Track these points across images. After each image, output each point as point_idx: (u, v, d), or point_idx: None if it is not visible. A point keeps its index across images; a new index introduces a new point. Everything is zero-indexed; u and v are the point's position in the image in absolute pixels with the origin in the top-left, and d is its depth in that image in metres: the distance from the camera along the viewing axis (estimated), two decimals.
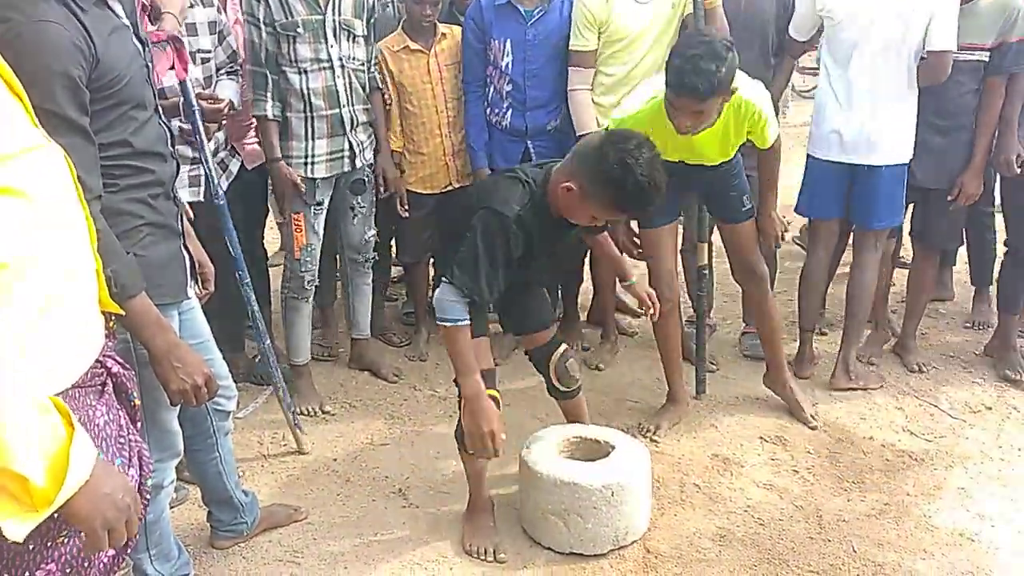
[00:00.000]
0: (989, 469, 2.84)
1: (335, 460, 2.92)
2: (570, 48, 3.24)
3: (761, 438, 3.04)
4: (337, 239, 3.38)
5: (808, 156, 3.30)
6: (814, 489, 2.74)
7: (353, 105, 3.07)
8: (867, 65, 3.06)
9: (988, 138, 3.25)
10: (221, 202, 2.59)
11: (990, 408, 3.24)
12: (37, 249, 1.15)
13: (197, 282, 2.08)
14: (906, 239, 4.03)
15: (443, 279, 2.20)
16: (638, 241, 3.00)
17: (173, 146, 1.87)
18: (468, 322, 2.18)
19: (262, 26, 2.90)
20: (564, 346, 2.63)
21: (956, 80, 3.13)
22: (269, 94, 2.94)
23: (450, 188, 3.50)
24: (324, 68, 2.97)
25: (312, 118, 3.00)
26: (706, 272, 3.27)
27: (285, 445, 3.01)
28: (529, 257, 2.26)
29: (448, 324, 2.19)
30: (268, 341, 2.82)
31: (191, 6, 2.74)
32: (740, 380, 3.48)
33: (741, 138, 2.76)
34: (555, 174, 2.23)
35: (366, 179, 3.20)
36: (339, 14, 2.97)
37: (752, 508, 2.64)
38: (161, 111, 1.82)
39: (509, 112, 3.35)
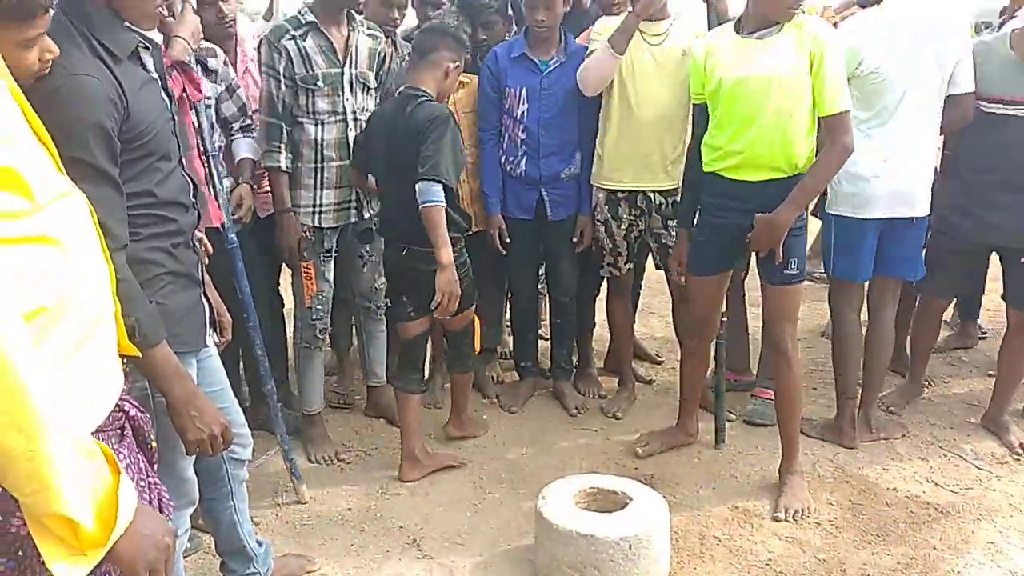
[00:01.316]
0: (1019, 523, 2.78)
1: (349, 510, 2.91)
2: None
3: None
4: (348, 288, 3.40)
5: (844, 218, 3.10)
6: (837, 542, 2.70)
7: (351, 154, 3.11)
8: (911, 116, 2.98)
9: None
10: (232, 246, 2.63)
11: (1018, 459, 3.19)
12: (70, 293, 1.18)
13: (216, 330, 2.11)
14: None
15: (424, 179, 2.69)
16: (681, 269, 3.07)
17: (195, 196, 1.91)
18: (444, 202, 2.71)
19: (282, 79, 2.93)
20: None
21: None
22: (283, 145, 2.97)
23: (469, 233, 3.50)
24: (339, 120, 3.03)
25: (323, 168, 3.04)
26: (724, 320, 3.21)
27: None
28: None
29: (432, 204, 2.69)
30: (271, 385, 2.84)
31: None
32: (760, 429, 3.44)
33: (806, 87, 2.63)
34: (430, 68, 2.88)
35: (373, 228, 3.23)
36: (356, 67, 3.04)
37: (774, 561, 2.60)
38: (184, 162, 1.87)
39: (524, 160, 3.39)
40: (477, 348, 3.19)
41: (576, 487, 2.60)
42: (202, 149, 2.54)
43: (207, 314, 1.97)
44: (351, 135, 3.05)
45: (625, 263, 3.47)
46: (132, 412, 1.40)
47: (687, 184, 3.02)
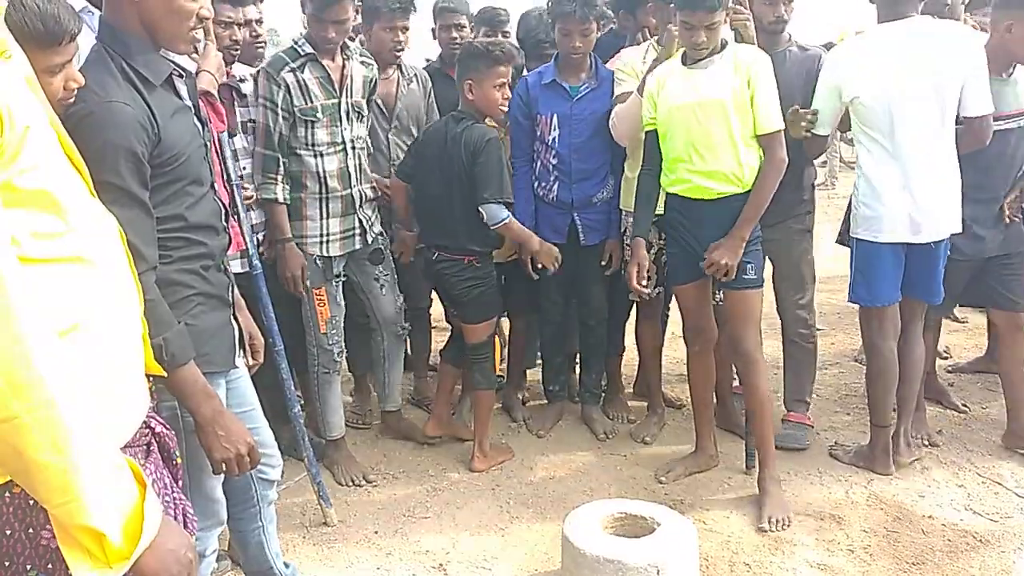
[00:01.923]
0: None
1: (376, 532, 2.91)
2: (613, 96, 3.34)
3: (814, 515, 2.95)
4: (370, 315, 3.36)
5: (862, 241, 3.09)
6: (871, 570, 2.63)
7: (361, 183, 3.15)
8: (917, 141, 2.96)
9: None
10: (257, 272, 2.67)
11: None
12: (100, 313, 1.21)
13: (246, 352, 2.14)
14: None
15: (485, 200, 3.07)
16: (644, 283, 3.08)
17: (226, 221, 1.95)
18: (511, 216, 3.11)
19: (279, 111, 2.93)
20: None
21: (999, 150, 3.13)
22: (279, 177, 2.96)
23: (514, 257, 3.55)
24: (339, 150, 3.05)
25: (327, 199, 3.05)
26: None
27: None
28: None
29: (502, 222, 3.10)
30: (297, 409, 2.87)
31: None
32: (792, 454, 3.39)
33: (746, 108, 2.84)
34: (462, 95, 3.16)
35: (383, 247, 3.26)
36: (351, 97, 3.07)
37: None
38: (216, 188, 1.91)
39: (556, 185, 3.42)
40: (497, 367, 3.19)
41: (604, 512, 2.57)
42: (225, 177, 2.58)
43: (237, 335, 2.00)
44: (351, 164, 3.08)
45: (654, 287, 3.45)
46: (158, 429, 1.42)
47: (639, 202, 3.11)
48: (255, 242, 2.73)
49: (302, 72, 2.95)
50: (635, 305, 3.69)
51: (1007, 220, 3.28)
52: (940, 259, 3.11)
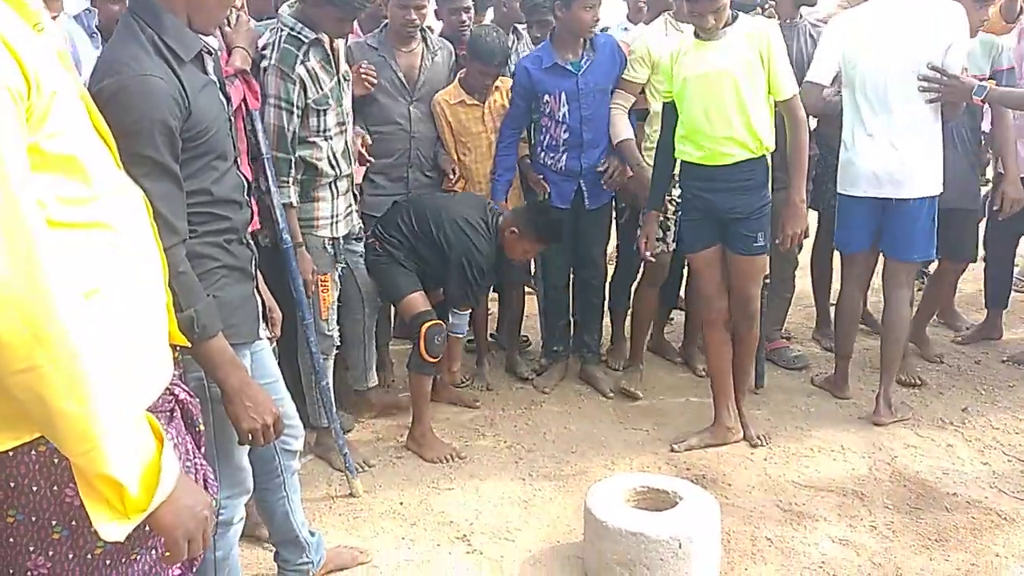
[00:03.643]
0: None
1: (401, 503, 2.93)
2: (621, 76, 3.52)
3: (837, 491, 2.93)
4: (353, 291, 3.27)
5: (839, 194, 3.40)
6: (893, 547, 2.61)
7: (353, 162, 3.10)
8: (898, 103, 3.19)
9: (1013, 149, 3.69)
10: (287, 246, 2.66)
11: None
12: (123, 279, 1.22)
13: (267, 325, 2.15)
14: None
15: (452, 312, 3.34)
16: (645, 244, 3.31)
17: (249, 195, 1.95)
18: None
19: (295, 110, 2.78)
20: (436, 320, 3.17)
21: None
22: (291, 179, 2.81)
23: None
24: (343, 130, 2.99)
25: (337, 179, 2.99)
26: (766, 280, 3.37)
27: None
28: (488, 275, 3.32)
29: (459, 336, 3.48)
30: (326, 382, 2.88)
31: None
32: (815, 429, 3.38)
33: (760, 78, 2.97)
34: (503, 222, 3.30)
35: (359, 226, 3.24)
36: (341, 68, 2.99)
37: (827, 564, 2.53)
38: (239, 162, 1.91)
39: (565, 155, 3.58)
40: (422, 353, 3.14)
41: (626, 485, 2.57)
42: (253, 154, 2.56)
43: (260, 308, 2.00)
44: (348, 140, 3.03)
45: (667, 246, 3.56)
46: (182, 396, 1.43)
47: (655, 175, 3.29)
48: (284, 218, 2.71)
49: (309, 60, 2.80)
50: (642, 267, 3.81)
51: None
52: (914, 219, 3.25)
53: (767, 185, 3.11)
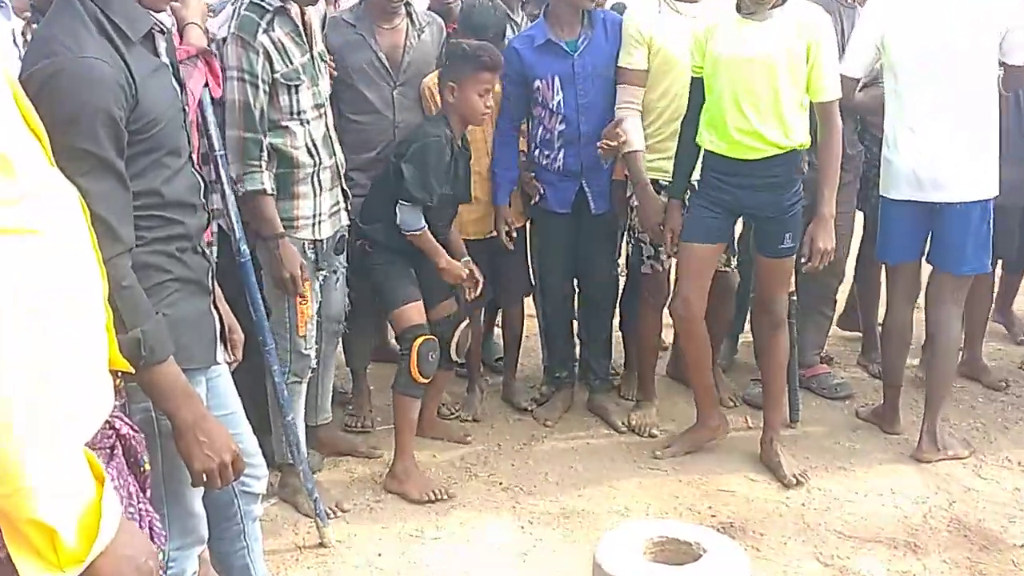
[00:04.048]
0: None
1: (379, 555, 2.93)
2: (618, 64, 3.51)
3: (886, 542, 2.93)
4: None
5: (881, 198, 3.45)
6: None
7: (336, 148, 3.12)
8: (940, 93, 3.22)
9: None
10: (244, 260, 2.66)
11: None
12: (53, 295, 1.21)
13: (226, 347, 2.14)
14: None
15: (399, 203, 3.14)
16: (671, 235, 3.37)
17: (205, 196, 1.95)
18: (426, 226, 3.19)
19: (260, 83, 2.80)
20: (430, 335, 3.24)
21: None
22: (263, 163, 2.82)
23: (491, 235, 3.71)
24: (322, 113, 3.00)
25: (319, 171, 2.99)
26: (794, 298, 3.52)
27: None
28: (451, 173, 3.25)
29: (417, 232, 3.17)
30: (291, 417, 2.88)
31: (212, 13, 2.83)
32: (860, 469, 3.39)
33: (802, 71, 3.03)
34: (440, 92, 3.26)
35: (347, 234, 3.23)
36: (316, 45, 3.01)
37: None
38: (193, 160, 1.92)
39: (561, 152, 3.58)
40: (413, 371, 3.18)
41: (641, 535, 2.56)
42: (207, 149, 2.56)
43: (217, 327, 2.01)
44: (330, 126, 3.06)
45: (668, 257, 3.59)
46: (124, 431, 1.43)
47: (679, 155, 3.34)
48: (241, 224, 2.71)
49: (273, 30, 2.82)
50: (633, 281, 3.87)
51: None
52: (964, 226, 3.27)
53: (797, 183, 3.16)
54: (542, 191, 3.63)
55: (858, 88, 3.48)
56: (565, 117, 3.52)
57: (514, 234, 3.67)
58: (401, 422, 3.28)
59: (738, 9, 3.06)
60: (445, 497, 3.21)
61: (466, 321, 3.42)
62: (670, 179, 3.43)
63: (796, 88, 3.05)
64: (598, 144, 3.46)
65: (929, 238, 3.38)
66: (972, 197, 3.25)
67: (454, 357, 3.39)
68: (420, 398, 3.33)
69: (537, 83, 3.52)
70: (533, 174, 3.65)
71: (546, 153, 3.61)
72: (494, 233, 3.71)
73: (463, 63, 3.18)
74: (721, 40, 3.07)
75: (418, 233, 3.20)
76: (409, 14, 3.51)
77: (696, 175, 3.37)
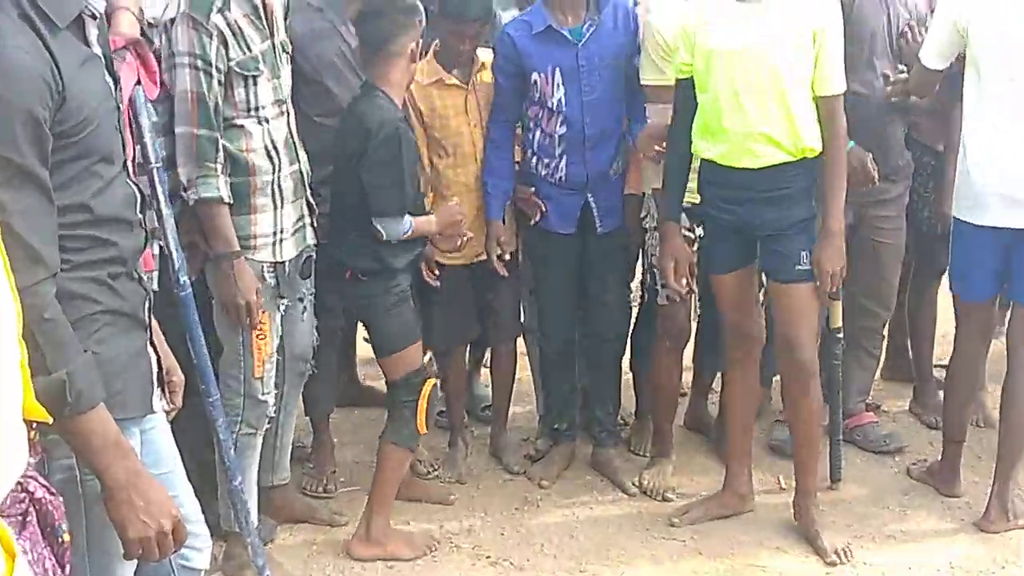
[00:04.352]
0: None
1: None
2: (642, 84, 3.52)
3: None
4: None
5: (955, 220, 3.39)
6: None
7: (300, 152, 3.11)
8: None
9: None
10: (184, 292, 2.64)
11: None
12: None
13: (163, 392, 2.13)
14: None
15: (374, 219, 3.09)
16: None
17: (143, 211, 1.94)
18: (412, 226, 3.15)
19: (214, 71, 2.81)
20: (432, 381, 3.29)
21: None
22: (220, 167, 2.85)
23: (481, 257, 3.68)
24: (283, 111, 3.01)
25: (279, 179, 2.99)
26: (840, 336, 3.56)
27: None
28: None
29: (406, 233, 3.14)
30: (238, 481, 2.87)
31: None
32: (913, 540, 3.41)
33: (808, 61, 3.04)
34: (381, 69, 3.14)
35: (313, 255, 3.21)
36: (279, 33, 3.02)
37: None
38: (130, 168, 1.91)
39: (563, 159, 3.57)
40: (421, 424, 3.21)
41: None
42: (142, 159, 2.55)
43: (154, 368, 1.99)
44: (292, 127, 3.06)
45: (687, 291, 3.57)
46: (39, 494, 1.41)
47: (669, 171, 3.34)
48: (181, 252, 2.70)
49: (229, 11, 2.85)
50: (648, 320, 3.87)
51: None
52: None
53: (811, 195, 3.17)
54: (544, 208, 3.63)
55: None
56: (567, 117, 3.51)
57: (507, 257, 3.66)
58: (390, 475, 3.29)
59: None
60: (437, 547, 3.32)
61: (434, 381, 3.35)
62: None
63: (804, 81, 3.06)
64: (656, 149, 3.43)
65: (1010, 271, 3.31)
66: None
67: (423, 426, 3.28)
68: (415, 451, 3.37)
69: (535, 77, 3.51)
70: (533, 188, 3.63)
71: (545, 161, 3.60)
72: (482, 257, 3.67)
73: (417, 17, 3.14)
74: (715, 32, 3.08)
75: (410, 233, 3.16)
76: None
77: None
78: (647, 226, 3.64)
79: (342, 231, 3.22)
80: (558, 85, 3.50)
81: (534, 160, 3.64)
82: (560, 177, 3.59)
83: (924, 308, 4.24)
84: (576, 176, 3.58)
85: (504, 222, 3.65)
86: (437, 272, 3.60)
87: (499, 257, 3.64)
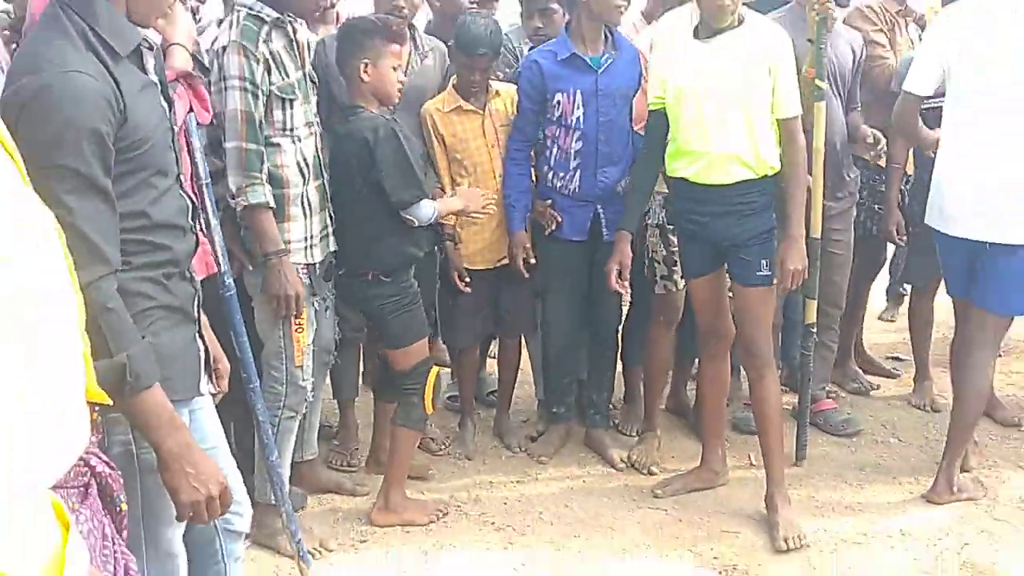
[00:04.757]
0: None
1: None
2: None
3: None
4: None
5: (930, 227, 3.40)
6: None
7: (323, 169, 3.13)
8: (997, 122, 3.12)
9: None
10: (230, 293, 2.64)
11: None
12: (23, 322, 1.19)
13: (211, 378, 2.13)
14: None
15: (406, 204, 3.07)
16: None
17: (194, 219, 1.95)
18: (436, 206, 3.17)
19: (260, 94, 2.86)
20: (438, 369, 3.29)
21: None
22: (264, 176, 2.88)
23: (505, 261, 3.71)
24: (312, 132, 3.04)
25: (307, 192, 3.02)
26: (813, 331, 3.57)
27: None
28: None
29: (434, 216, 3.16)
30: (275, 457, 2.87)
31: (200, 32, 2.86)
32: (868, 511, 3.39)
33: (767, 89, 3.07)
34: (350, 88, 3.14)
35: (334, 260, 3.21)
36: (307, 65, 3.06)
37: None
38: (182, 181, 1.92)
39: (577, 173, 3.59)
40: (428, 406, 3.23)
41: None
42: (193, 175, 2.55)
43: (202, 357, 2.00)
44: (318, 146, 3.08)
45: (681, 277, 3.60)
46: (100, 468, 1.41)
47: (633, 189, 3.42)
48: (227, 257, 2.70)
49: (271, 42, 2.90)
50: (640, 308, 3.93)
51: None
52: (1012, 265, 3.15)
53: (771, 209, 3.20)
54: (560, 220, 3.61)
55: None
56: (584, 134, 3.53)
57: (532, 262, 3.64)
58: (401, 455, 3.29)
59: (695, 35, 3.12)
60: (447, 512, 3.32)
61: (438, 369, 3.36)
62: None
63: (764, 107, 3.10)
64: None
65: (976, 273, 3.28)
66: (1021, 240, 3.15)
67: (430, 407, 3.29)
68: (424, 431, 3.37)
69: (558, 97, 3.52)
70: (549, 201, 3.62)
71: (560, 175, 3.61)
72: (503, 262, 3.69)
73: (372, 37, 3.07)
74: (681, 68, 3.13)
75: (437, 215, 3.18)
76: (412, 37, 3.55)
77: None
78: (649, 223, 3.67)
79: (356, 242, 3.15)
80: (578, 105, 3.52)
81: (550, 175, 3.64)
82: (573, 189, 3.60)
83: (859, 300, 4.38)
84: (588, 188, 3.58)
85: (526, 230, 3.65)
86: (467, 279, 3.64)
87: (525, 262, 3.64)
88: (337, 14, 4.06)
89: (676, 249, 3.57)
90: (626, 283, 3.48)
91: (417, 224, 3.12)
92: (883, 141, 3.78)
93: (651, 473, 3.69)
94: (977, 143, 3.18)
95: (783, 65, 3.09)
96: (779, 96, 3.10)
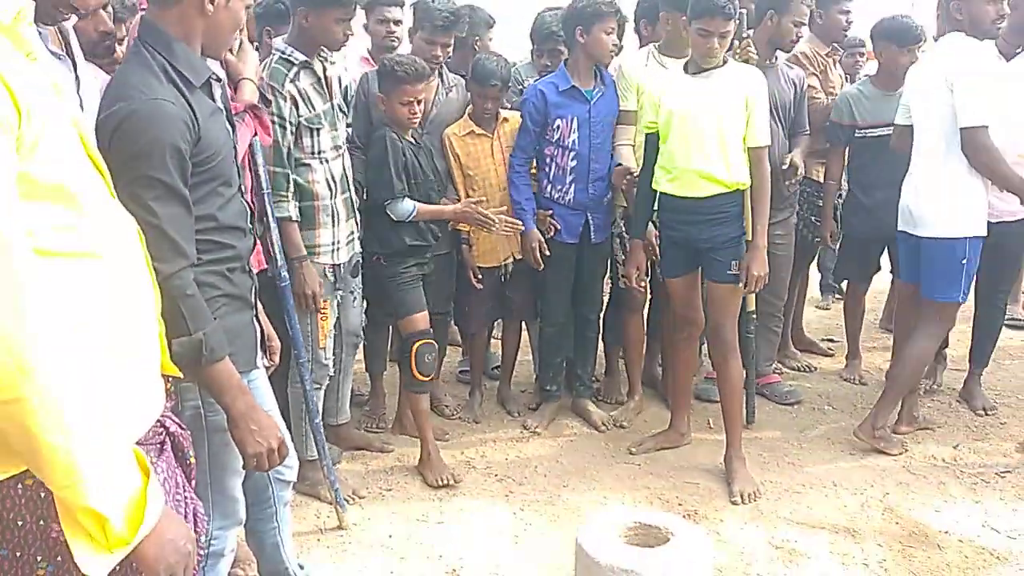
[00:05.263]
0: None
1: (390, 536, 2.96)
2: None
3: (829, 528, 2.98)
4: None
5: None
6: None
7: (350, 184, 3.19)
8: (922, 145, 3.43)
9: None
10: (285, 283, 2.70)
11: None
12: (112, 310, 1.25)
13: (265, 354, 2.19)
14: None
15: (385, 201, 3.21)
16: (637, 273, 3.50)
17: (252, 222, 2.00)
18: (415, 205, 3.23)
19: (288, 125, 2.89)
20: (429, 339, 3.29)
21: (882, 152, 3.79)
22: (290, 195, 2.91)
23: (509, 260, 3.80)
24: (340, 154, 3.09)
25: (335, 204, 3.06)
26: (754, 316, 3.62)
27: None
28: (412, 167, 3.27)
29: (412, 214, 3.23)
30: (319, 420, 2.93)
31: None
32: (807, 465, 3.44)
33: (741, 120, 3.15)
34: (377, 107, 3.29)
35: (360, 260, 3.28)
36: (335, 98, 3.11)
37: None
38: (243, 190, 1.97)
39: (572, 187, 3.64)
40: (414, 373, 3.26)
41: (618, 521, 2.59)
42: (256, 188, 2.61)
43: (258, 336, 2.05)
44: (346, 165, 3.14)
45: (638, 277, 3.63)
46: (173, 429, 1.46)
47: (639, 203, 3.45)
48: (284, 254, 2.75)
49: (299, 81, 2.94)
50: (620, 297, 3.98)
51: None
52: (931, 257, 3.38)
53: (740, 219, 3.24)
54: (558, 226, 3.65)
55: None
56: (578, 154, 3.59)
57: (547, 253, 3.64)
58: (416, 415, 3.40)
59: (685, 70, 3.21)
60: (452, 483, 3.28)
61: (421, 341, 3.30)
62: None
63: (737, 135, 3.17)
64: (626, 179, 3.57)
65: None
66: (933, 234, 3.36)
67: (416, 375, 3.28)
68: (427, 392, 3.41)
69: (558, 122, 3.57)
70: (551, 212, 3.65)
71: (558, 187, 3.65)
72: (509, 261, 3.77)
73: (387, 78, 3.18)
74: (674, 97, 3.20)
75: (415, 214, 3.24)
76: (441, 75, 3.63)
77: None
78: (615, 232, 3.80)
79: (366, 230, 3.29)
80: (574, 129, 3.57)
81: (548, 187, 3.67)
82: (568, 199, 3.64)
83: (798, 291, 4.53)
84: (581, 199, 3.64)
85: (536, 227, 3.66)
86: (480, 276, 3.72)
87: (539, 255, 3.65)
88: None
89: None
90: (645, 282, 3.61)
91: (395, 219, 3.21)
92: (801, 168, 3.83)
93: (622, 427, 3.81)
94: (914, 162, 3.46)
95: (758, 101, 3.17)
96: (752, 128, 3.17)
